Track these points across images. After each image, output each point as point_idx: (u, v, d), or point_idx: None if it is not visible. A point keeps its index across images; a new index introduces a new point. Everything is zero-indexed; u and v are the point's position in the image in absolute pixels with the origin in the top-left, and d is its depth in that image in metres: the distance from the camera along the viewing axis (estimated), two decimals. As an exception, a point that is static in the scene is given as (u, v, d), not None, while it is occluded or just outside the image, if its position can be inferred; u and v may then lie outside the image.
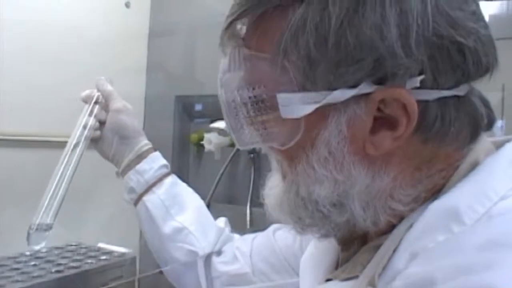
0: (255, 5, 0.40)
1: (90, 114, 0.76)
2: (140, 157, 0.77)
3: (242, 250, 0.75)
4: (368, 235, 0.45)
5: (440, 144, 0.39)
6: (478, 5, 0.39)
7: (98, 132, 0.77)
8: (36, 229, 0.69)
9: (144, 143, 0.79)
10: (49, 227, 0.70)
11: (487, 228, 0.35)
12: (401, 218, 0.41)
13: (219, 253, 0.77)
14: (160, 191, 0.77)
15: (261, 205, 0.49)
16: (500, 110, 0.90)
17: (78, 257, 0.96)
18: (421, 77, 0.36)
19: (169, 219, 0.76)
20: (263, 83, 0.40)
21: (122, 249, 1.04)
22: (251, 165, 1.31)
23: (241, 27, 0.43)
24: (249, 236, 0.77)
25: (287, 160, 0.43)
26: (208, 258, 0.76)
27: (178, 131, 1.46)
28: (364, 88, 0.37)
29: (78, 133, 0.75)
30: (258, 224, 1.20)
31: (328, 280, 0.47)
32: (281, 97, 0.39)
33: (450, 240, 0.35)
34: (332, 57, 0.37)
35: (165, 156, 0.81)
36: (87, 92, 0.79)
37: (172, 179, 0.79)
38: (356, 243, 0.46)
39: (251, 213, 1.27)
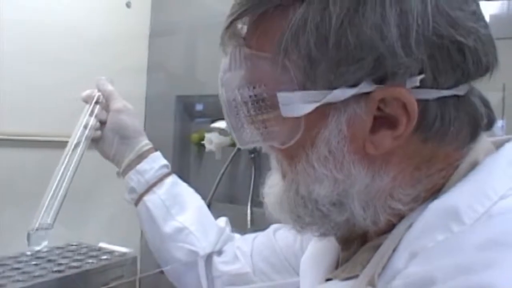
0: (256, 5, 0.40)
1: (90, 114, 0.76)
2: (141, 157, 0.78)
3: (243, 250, 0.75)
4: (368, 234, 0.45)
5: (440, 143, 0.39)
6: (478, 5, 0.39)
7: (98, 132, 0.78)
8: (36, 229, 0.69)
9: (144, 143, 0.79)
10: (49, 228, 0.70)
11: (486, 228, 0.35)
12: (401, 218, 0.41)
13: (219, 253, 0.77)
14: (161, 191, 0.77)
15: (261, 204, 0.49)
16: (501, 110, 0.90)
17: (79, 257, 0.96)
18: (421, 76, 0.36)
19: (170, 219, 0.76)
20: (264, 82, 0.40)
21: (123, 249, 1.04)
22: (252, 165, 1.30)
23: (242, 27, 0.43)
24: (249, 236, 0.78)
25: (287, 159, 0.43)
26: (208, 258, 0.76)
27: (179, 131, 1.45)
28: (364, 87, 0.37)
29: (78, 133, 0.75)
30: (259, 224, 1.20)
31: (328, 279, 0.47)
32: (282, 96, 0.39)
33: (449, 240, 0.35)
34: (332, 57, 0.37)
35: (165, 156, 0.81)
36: (87, 92, 0.79)
37: (173, 179, 0.79)
38: (356, 243, 0.46)
39: (251, 213, 1.27)
